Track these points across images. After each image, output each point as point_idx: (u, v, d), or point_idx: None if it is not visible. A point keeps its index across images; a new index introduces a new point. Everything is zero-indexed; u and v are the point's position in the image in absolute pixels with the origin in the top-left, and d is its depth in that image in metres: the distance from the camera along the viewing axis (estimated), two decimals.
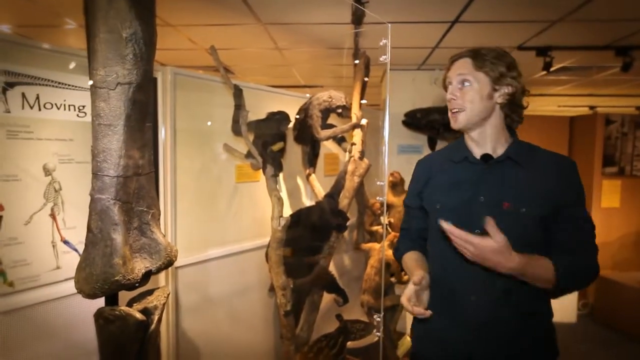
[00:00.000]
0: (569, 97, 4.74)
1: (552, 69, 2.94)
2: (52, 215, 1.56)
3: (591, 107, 5.20)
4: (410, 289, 1.19)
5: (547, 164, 1.21)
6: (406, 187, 3.14)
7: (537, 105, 5.38)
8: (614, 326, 3.89)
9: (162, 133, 1.97)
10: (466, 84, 1.20)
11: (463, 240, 1.05)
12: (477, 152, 1.25)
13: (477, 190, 1.20)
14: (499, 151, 1.23)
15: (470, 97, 1.19)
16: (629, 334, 3.75)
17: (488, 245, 1.04)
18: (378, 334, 1.90)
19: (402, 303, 1.19)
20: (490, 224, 1.04)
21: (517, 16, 2.29)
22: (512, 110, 1.23)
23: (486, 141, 1.24)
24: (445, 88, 1.30)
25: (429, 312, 1.16)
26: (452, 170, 1.29)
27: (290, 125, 2.32)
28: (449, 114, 1.26)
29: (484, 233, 1.06)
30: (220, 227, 2.29)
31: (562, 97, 4.78)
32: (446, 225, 1.06)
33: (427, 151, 3.47)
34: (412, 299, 1.18)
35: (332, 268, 2.64)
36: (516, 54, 2.84)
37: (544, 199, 1.15)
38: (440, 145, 3.42)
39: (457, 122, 1.23)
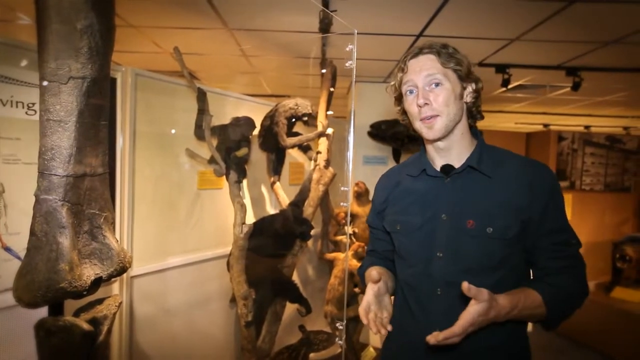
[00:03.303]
0: (525, 114, 4.99)
1: (509, 86, 3.08)
2: None
3: (545, 125, 5.50)
4: (369, 295, 1.03)
5: (518, 173, 1.03)
6: (371, 198, 3.17)
7: (496, 122, 5.63)
8: (567, 335, 4.05)
9: (121, 136, 1.89)
10: (437, 84, 1.02)
11: (450, 338, 0.89)
12: (439, 163, 1.10)
13: (438, 207, 1.06)
14: (462, 159, 1.08)
15: (444, 100, 1.01)
16: (580, 341, 3.92)
17: (474, 314, 0.89)
18: (340, 342, 1.87)
19: (360, 314, 1.02)
20: (466, 287, 0.89)
21: (478, 33, 2.39)
22: (475, 108, 1.09)
23: (452, 149, 1.08)
24: (399, 96, 1.11)
25: (389, 327, 0.99)
26: (411, 186, 1.14)
27: (255, 131, 2.29)
28: (417, 124, 1.06)
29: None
30: (180, 235, 2.20)
31: (519, 115, 5.03)
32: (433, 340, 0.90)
33: (391, 162, 3.53)
34: (373, 306, 1.02)
35: (295, 278, 2.59)
36: (477, 70, 2.96)
37: (515, 215, 1.00)
38: (405, 157, 3.48)
39: (435, 130, 1.03)
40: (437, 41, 1.07)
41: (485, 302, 0.89)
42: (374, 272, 1.05)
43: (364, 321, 1.00)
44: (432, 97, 1.02)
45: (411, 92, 1.06)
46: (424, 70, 1.03)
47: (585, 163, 5.03)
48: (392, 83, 1.12)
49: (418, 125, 1.06)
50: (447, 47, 1.05)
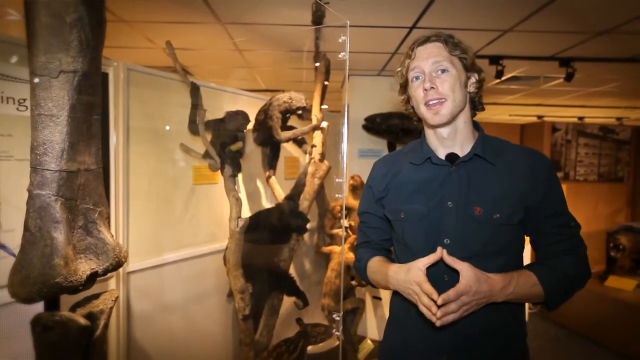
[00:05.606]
0: (519, 106, 5.00)
1: (503, 78, 3.09)
2: None
3: (539, 117, 5.52)
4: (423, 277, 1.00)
5: (518, 161, 1.07)
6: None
7: (490, 114, 5.64)
8: (562, 323, 4.09)
9: (114, 131, 1.88)
10: (444, 70, 1.04)
11: (447, 305, 0.94)
12: (442, 152, 1.11)
13: (444, 195, 1.07)
14: (466, 149, 1.09)
15: (451, 85, 1.03)
16: (575, 330, 3.96)
17: (464, 286, 0.94)
18: (337, 333, 1.88)
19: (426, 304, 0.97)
20: (446, 257, 0.98)
21: (471, 24, 2.39)
22: (478, 99, 1.12)
23: (456, 138, 1.10)
24: (405, 83, 1.12)
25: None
26: (414, 174, 1.14)
27: (250, 126, 2.28)
28: (422, 108, 1.07)
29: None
30: (176, 231, 2.20)
31: (513, 106, 5.04)
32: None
33: None
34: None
35: (292, 271, 2.60)
36: None
37: (519, 201, 1.03)
38: None
39: (441, 114, 1.04)
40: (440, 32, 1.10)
41: (470, 269, 0.96)
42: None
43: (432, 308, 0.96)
44: (439, 83, 1.04)
45: (417, 78, 1.08)
46: (432, 57, 1.05)
47: (579, 154, 5.07)
48: (399, 70, 1.12)
49: (423, 110, 1.07)
50: (453, 37, 1.08)
